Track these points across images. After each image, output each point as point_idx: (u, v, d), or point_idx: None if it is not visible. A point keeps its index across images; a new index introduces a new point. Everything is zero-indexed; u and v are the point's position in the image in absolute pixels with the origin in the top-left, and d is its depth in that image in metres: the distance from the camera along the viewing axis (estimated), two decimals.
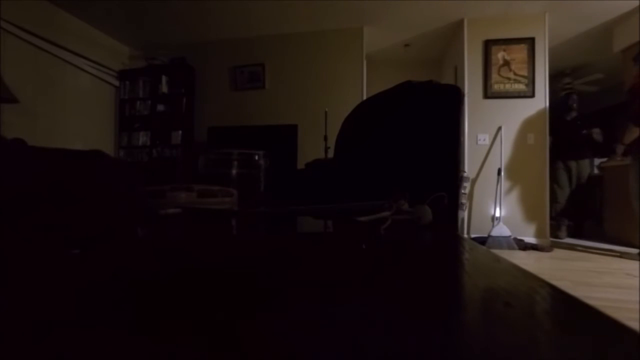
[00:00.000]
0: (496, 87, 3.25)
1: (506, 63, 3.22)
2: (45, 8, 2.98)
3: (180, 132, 3.70)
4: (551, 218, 3.39)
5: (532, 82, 3.22)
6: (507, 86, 3.23)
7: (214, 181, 0.49)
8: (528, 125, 3.20)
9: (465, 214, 3.27)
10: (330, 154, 2.27)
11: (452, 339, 0.09)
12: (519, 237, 3.05)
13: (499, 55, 3.27)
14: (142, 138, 3.78)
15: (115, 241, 0.17)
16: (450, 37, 3.64)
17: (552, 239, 3.22)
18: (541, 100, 3.22)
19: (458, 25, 3.41)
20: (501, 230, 2.98)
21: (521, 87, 3.22)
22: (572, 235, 3.56)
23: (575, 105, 3.54)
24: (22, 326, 0.10)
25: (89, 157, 0.36)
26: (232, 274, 0.15)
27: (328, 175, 1.22)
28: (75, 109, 3.32)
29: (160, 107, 3.76)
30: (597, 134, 3.37)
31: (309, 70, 3.66)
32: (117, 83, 3.82)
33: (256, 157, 0.68)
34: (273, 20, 3.43)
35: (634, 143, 2.45)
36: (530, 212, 3.18)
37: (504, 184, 3.15)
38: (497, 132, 3.23)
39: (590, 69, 3.90)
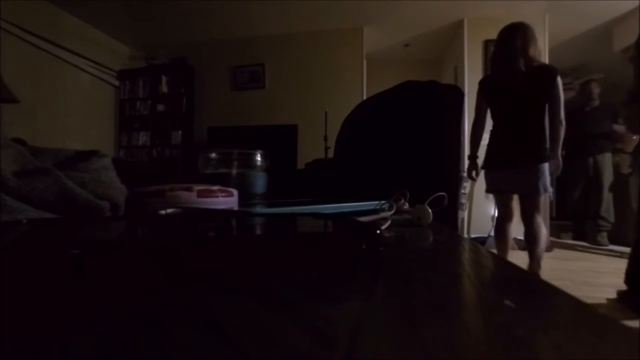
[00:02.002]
0: None
1: None
2: (45, 8, 2.98)
3: (180, 132, 3.70)
4: (585, 220, 3.28)
5: None
6: None
7: (214, 181, 0.49)
8: None
9: (465, 214, 3.27)
10: (330, 154, 2.27)
11: (451, 339, 0.09)
12: (519, 237, 3.05)
13: None
14: (142, 138, 3.79)
15: (117, 243, 0.17)
16: (450, 37, 3.64)
17: (592, 245, 3.15)
18: None
19: (458, 25, 3.41)
20: None
21: None
22: (576, 236, 3.51)
23: (595, 93, 3.27)
24: (21, 327, 0.10)
25: (88, 157, 0.36)
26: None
27: (328, 175, 1.22)
28: (75, 109, 3.32)
29: (160, 107, 3.76)
30: (619, 125, 2.93)
31: (309, 70, 3.66)
32: (117, 83, 3.82)
33: (256, 157, 0.68)
34: (273, 20, 3.43)
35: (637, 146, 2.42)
36: None
37: None
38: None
39: (590, 69, 3.90)
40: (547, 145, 1.64)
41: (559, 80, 1.60)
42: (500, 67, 1.69)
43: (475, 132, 1.88)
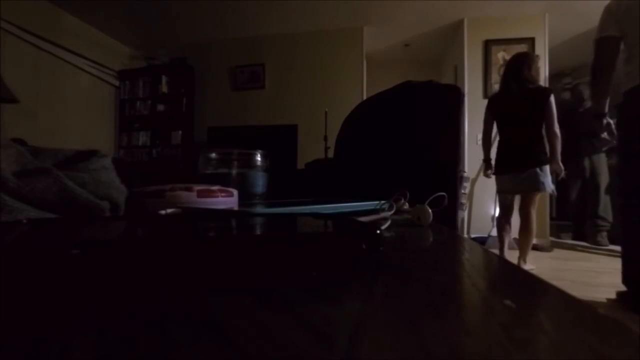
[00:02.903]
0: (496, 87, 3.23)
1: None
2: (45, 8, 2.98)
3: (180, 132, 3.70)
4: (585, 220, 3.29)
5: None
6: None
7: (214, 181, 0.49)
8: None
9: (465, 214, 3.27)
10: (330, 154, 2.27)
11: (451, 339, 0.09)
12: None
13: (499, 55, 3.27)
14: (142, 138, 3.78)
15: (117, 242, 0.17)
16: (450, 37, 3.64)
17: (582, 242, 3.17)
18: None
19: (458, 25, 3.41)
20: None
21: None
22: (575, 236, 3.51)
23: (586, 94, 3.32)
24: (21, 327, 0.10)
25: (88, 157, 0.36)
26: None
27: (328, 175, 1.22)
28: (75, 109, 3.32)
29: (160, 107, 3.76)
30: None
31: (309, 70, 3.66)
32: (117, 83, 3.82)
33: (256, 157, 0.68)
34: (273, 20, 3.43)
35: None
36: None
37: None
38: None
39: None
40: (546, 151, 1.98)
41: (552, 100, 1.90)
42: (502, 89, 2.09)
43: (484, 140, 2.27)
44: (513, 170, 2.01)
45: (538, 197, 2.02)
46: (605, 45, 1.52)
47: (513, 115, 1.98)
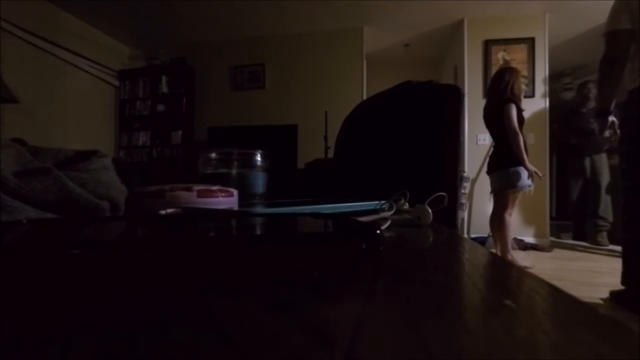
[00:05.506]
0: None
1: (506, 63, 3.22)
2: (45, 8, 2.99)
3: (180, 132, 3.70)
4: (586, 220, 3.31)
5: (532, 82, 3.22)
6: None
7: (214, 181, 0.49)
8: (528, 125, 3.19)
9: (465, 214, 3.27)
10: (330, 154, 2.27)
11: (451, 339, 0.09)
12: (519, 237, 3.05)
13: (499, 55, 3.27)
14: (142, 138, 3.79)
15: (117, 242, 0.17)
16: (450, 37, 3.64)
17: (584, 242, 3.19)
18: (541, 100, 3.22)
19: (458, 25, 3.41)
20: None
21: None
22: (575, 236, 3.51)
23: (593, 94, 3.30)
24: (22, 326, 0.10)
25: (88, 157, 0.36)
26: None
27: (328, 175, 1.22)
28: (75, 109, 3.32)
29: (160, 107, 3.76)
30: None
31: (309, 70, 3.66)
32: (117, 83, 3.82)
33: (256, 157, 0.68)
34: (273, 20, 3.43)
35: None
36: (530, 212, 3.18)
37: None
38: None
39: (590, 69, 3.89)
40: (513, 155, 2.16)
41: (507, 107, 2.16)
42: (487, 100, 2.42)
43: None
44: (490, 170, 2.36)
45: (512, 196, 2.23)
46: (617, 38, 1.45)
47: (491, 121, 2.32)
